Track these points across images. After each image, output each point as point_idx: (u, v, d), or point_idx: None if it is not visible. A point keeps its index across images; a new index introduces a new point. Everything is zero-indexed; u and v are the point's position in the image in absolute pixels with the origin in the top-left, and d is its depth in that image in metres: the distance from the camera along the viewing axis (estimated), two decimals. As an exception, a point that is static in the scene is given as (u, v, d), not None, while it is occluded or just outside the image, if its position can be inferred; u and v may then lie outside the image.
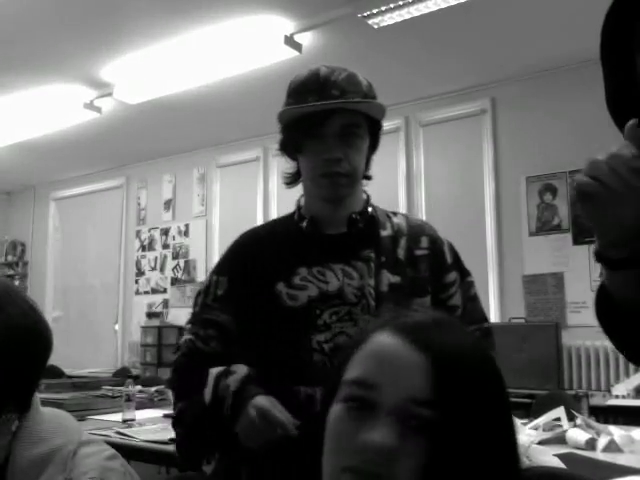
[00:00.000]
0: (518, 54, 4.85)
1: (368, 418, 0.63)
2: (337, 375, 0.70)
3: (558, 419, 2.61)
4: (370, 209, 1.41)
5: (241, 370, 1.26)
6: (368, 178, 1.43)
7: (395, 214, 1.45)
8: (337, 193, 1.35)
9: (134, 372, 6.33)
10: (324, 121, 1.31)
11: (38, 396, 1.01)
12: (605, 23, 0.86)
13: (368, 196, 1.44)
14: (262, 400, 1.18)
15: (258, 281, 1.34)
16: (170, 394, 3.65)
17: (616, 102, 0.86)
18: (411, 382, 0.63)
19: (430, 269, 1.36)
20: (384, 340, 0.67)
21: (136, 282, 7.73)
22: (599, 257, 0.78)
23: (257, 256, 1.37)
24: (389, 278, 1.32)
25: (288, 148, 1.45)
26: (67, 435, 0.97)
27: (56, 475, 0.91)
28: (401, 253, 1.36)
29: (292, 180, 1.48)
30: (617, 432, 2.35)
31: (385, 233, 1.38)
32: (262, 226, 1.54)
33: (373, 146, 1.41)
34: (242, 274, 1.36)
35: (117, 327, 7.78)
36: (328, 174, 1.32)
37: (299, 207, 1.45)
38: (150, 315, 7.22)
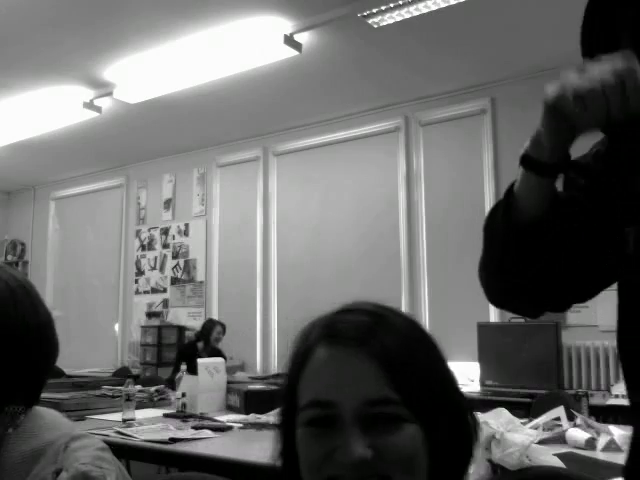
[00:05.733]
0: (518, 54, 4.85)
1: (335, 434, 0.66)
2: (291, 401, 0.71)
3: (558, 419, 2.61)
4: None
5: None
6: None
7: None
8: None
9: (134, 372, 6.34)
10: None
11: None
12: (586, 17, 0.87)
13: None
14: None
15: None
16: (170, 393, 3.65)
17: None
18: (363, 387, 0.66)
19: None
20: (325, 355, 0.69)
21: (136, 282, 7.73)
22: (528, 161, 0.83)
23: None
24: None
25: None
26: (59, 430, 0.98)
27: (48, 466, 0.92)
28: None
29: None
30: (617, 432, 2.34)
31: None
32: None
33: None
34: None
35: (117, 327, 7.79)
36: None
37: None
38: (150, 315, 7.22)
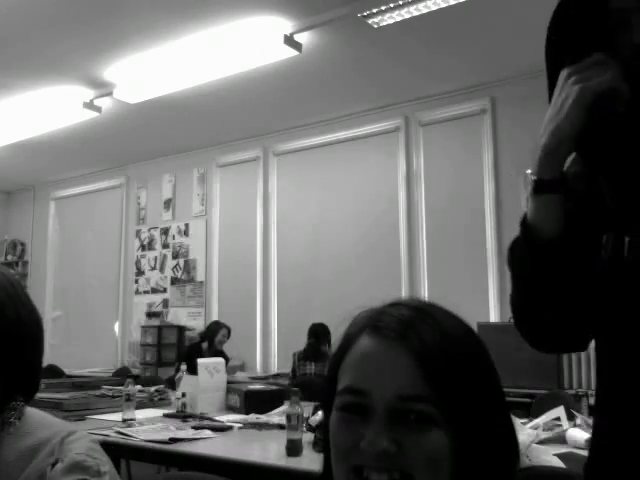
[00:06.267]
0: (518, 54, 4.84)
1: (365, 423, 0.66)
2: (332, 385, 0.72)
3: (558, 418, 2.61)
4: None
5: None
6: None
7: None
8: None
9: (134, 372, 6.33)
10: None
11: None
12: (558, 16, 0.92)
13: None
14: None
15: None
16: (170, 393, 3.65)
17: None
18: (397, 381, 0.66)
19: None
20: (366, 344, 0.69)
21: (136, 282, 7.73)
22: (541, 184, 0.87)
23: None
24: None
25: None
26: (51, 428, 1.01)
27: (46, 459, 0.95)
28: None
29: None
30: (617, 432, 2.34)
31: None
32: None
33: None
34: None
35: (117, 327, 7.79)
36: None
37: None
38: (150, 315, 7.22)
